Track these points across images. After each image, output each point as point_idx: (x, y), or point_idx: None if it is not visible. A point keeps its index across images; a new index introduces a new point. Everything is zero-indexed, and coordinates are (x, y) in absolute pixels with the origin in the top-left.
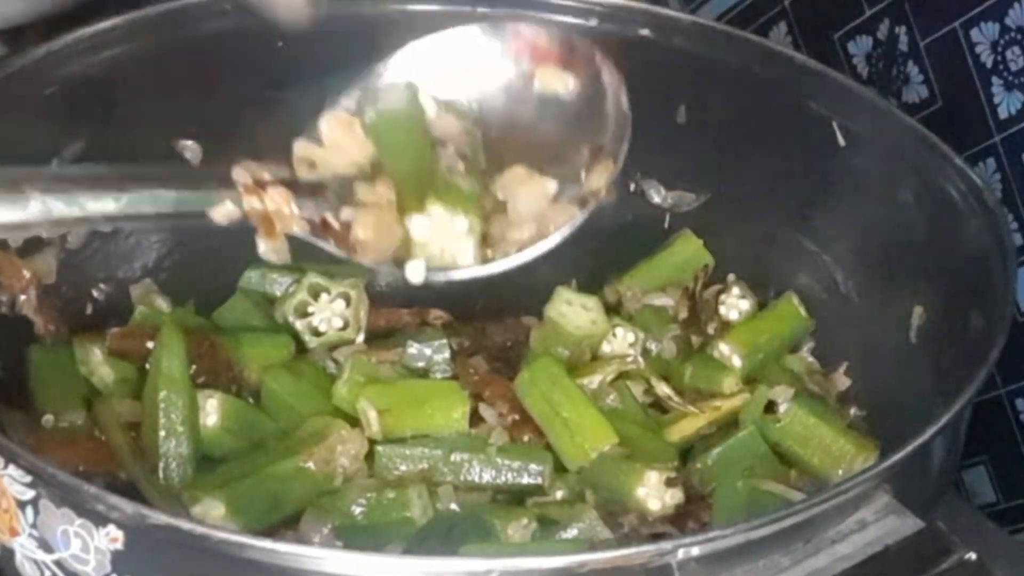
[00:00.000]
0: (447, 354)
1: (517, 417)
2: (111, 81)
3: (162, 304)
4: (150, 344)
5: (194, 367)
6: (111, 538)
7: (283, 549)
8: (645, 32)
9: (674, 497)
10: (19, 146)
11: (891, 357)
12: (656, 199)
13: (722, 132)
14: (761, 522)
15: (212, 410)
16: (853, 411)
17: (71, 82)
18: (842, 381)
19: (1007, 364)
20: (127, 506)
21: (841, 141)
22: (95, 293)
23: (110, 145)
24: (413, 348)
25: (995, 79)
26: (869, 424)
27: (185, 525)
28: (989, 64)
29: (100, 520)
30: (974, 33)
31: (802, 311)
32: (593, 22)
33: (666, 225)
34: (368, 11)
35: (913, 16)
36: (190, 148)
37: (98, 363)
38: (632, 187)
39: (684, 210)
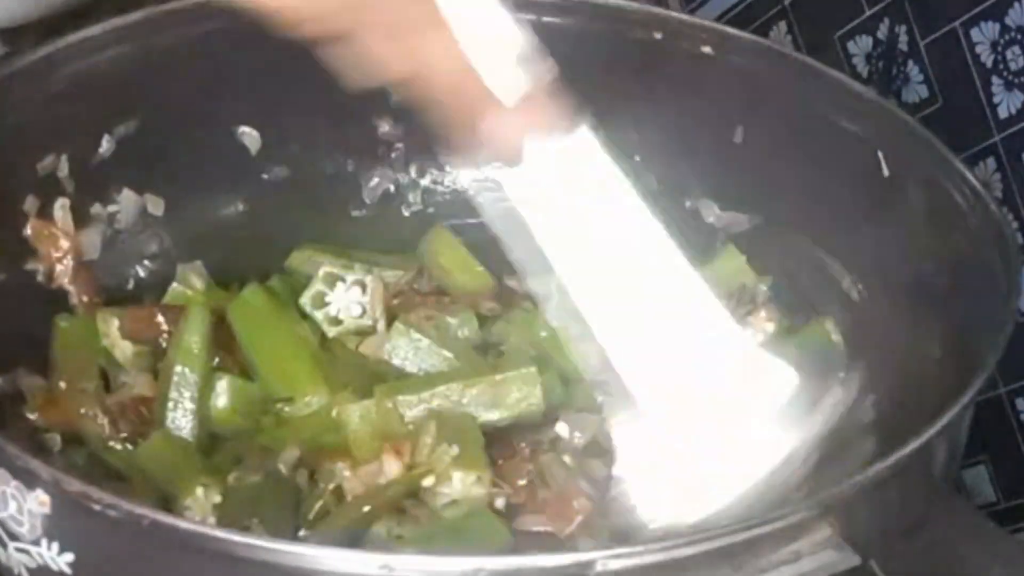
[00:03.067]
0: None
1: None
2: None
3: (197, 283)
4: (163, 325)
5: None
6: (40, 502)
7: (190, 527)
8: (707, 50)
9: None
10: (23, 145)
11: (899, 363)
12: (710, 219)
13: (774, 154)
14: (686, 540)
15: (222, 391)
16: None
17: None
18: (867, 414)
19: (1007, 364)
20: (43, 471)
21: (885, 171)
22: (139, 269)
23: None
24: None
25: (995, 79)
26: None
27: (95, 493)
28: (989, 64)
29: (31, 483)
30: (974, 33)
31: (835, 337)
32: (659, 36)
33: (717, 244)
34: None
35: (913, 16)
36: (249, 135)
37: (118, 336)
38: (687, 204)
39: (736, 231)
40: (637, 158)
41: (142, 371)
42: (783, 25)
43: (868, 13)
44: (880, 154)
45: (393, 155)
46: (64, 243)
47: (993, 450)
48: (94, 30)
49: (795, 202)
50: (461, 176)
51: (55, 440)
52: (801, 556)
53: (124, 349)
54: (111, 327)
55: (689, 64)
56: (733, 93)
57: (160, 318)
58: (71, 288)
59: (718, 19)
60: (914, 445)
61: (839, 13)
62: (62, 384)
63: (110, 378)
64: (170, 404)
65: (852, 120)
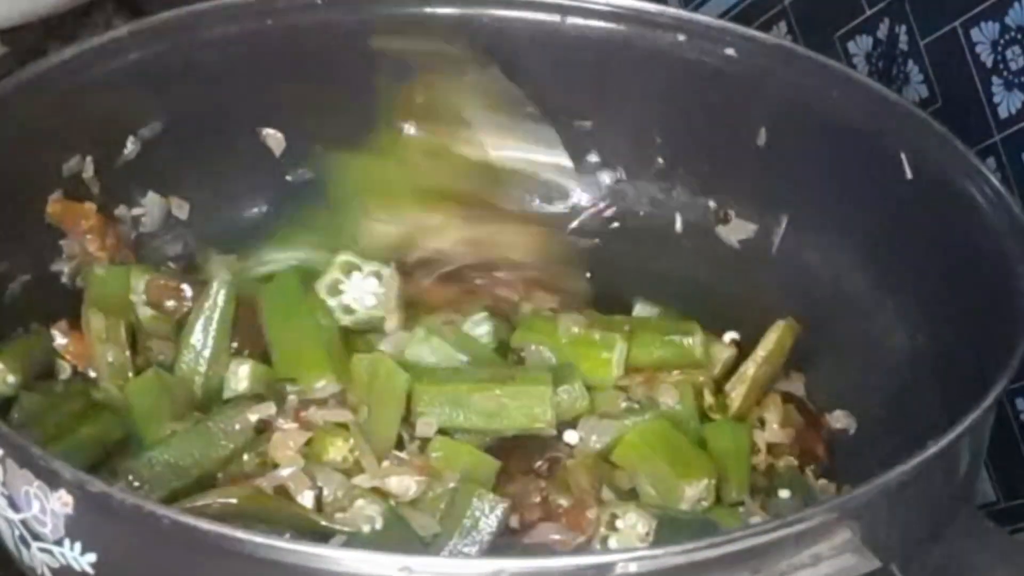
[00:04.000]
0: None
1: None
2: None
3: (228, 275)
4: (187, 297)
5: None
6: (63, 502)
7: (210, 528)
8: (730, 52)
9: None
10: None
11: (920, 364)
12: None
13: (797, 156)
14: (706, 543)
15: (244, 376)
16: None
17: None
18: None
19: None
20: (67, 472)
21: (908, 174)
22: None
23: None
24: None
25: (995, 79)
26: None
27: (117, 493)
28: (989, 64)
29: (53, 483)
30: (974, 33)
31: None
32: (681, 38)
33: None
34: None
35: (913, 16)
36: (273, 136)
37: (141, 300)
38: (712, 206)
39: (743, 239)
40: (660, 161)
41: (160, 334)
42: (783, 25)
43: (868, 13)
44: (903, 156)
45: None
46: (91, 211)
47: (993, 450)
48: (120, 32)
49: (818, 203)
50: None
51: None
52: (821, 560)
53: (144, 311)
54: (139, 285)
55: (712, 66)
56: (756, 95)
57: (186, 289)
58: (101, 254)
59: (719, 18)
60: (934, 449)
61: (839, 13)
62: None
63: (137, 339)
64: (182, 367)
65: (874, 122)
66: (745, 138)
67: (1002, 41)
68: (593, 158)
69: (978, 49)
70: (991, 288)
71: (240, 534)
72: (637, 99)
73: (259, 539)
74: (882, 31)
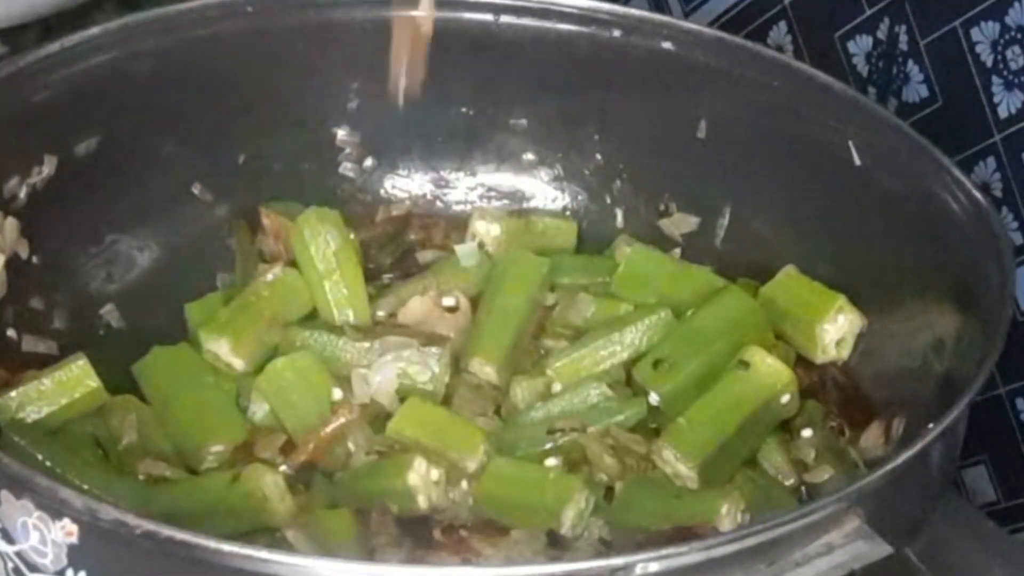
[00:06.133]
0: None
1: None
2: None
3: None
4: None
5: None
6: (66, 531)
7: (231, 550)
8: (668, 45)
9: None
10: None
11: (894, 366)
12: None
13: (739, 148)
14: (722, 540)
15: None
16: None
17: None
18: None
19: (1007, 364)
20: (77, 500)
21: (857, 160)
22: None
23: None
24: None
25: (995, 78)
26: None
27: (132, 520)
28: (989, 63)
29: (56, 513)
30: (974, 32)
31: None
32: (617, 33)
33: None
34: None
35: (913, 15)
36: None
37: None
38: (660, 207)
39: (685, 232)
40: (599, 157)
41: None
42: (783, 25)
43: (868, 13)
44: (850, 143)
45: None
46: None
47: (993, 450)
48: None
49: (762, 194)
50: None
51: None
52: (834, 548)
53: None
54: None
55: (649, 60)
56: (695, 88)
57: None
58: None
59: (717, 20)
60: (935, 432)
61: (839, 13)
62: None
63: None
64: None
65: (819, 110)
66: (685, 131)
67: (1002, 41)
68: (529, 156)
69: (978, 49)
70: (954, 278)
71: (265, 555)
72: (573, 95)
73: (286, 559)
74: (882, 31)
